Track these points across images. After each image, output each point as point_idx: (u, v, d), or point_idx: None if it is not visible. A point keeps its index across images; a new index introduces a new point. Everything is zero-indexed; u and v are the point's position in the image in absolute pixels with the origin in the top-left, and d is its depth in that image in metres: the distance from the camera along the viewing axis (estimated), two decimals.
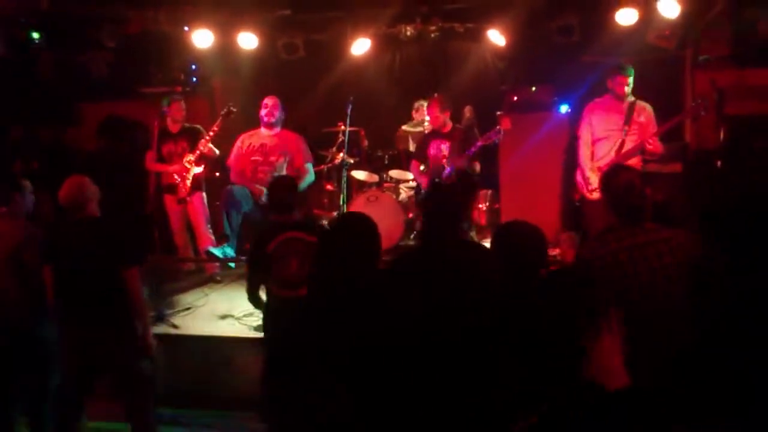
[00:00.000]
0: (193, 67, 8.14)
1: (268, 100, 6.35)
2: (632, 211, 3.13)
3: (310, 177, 6.37)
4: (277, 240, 4.09)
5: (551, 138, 6.98)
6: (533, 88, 7.39)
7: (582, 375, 1.78)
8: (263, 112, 6.32)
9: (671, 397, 1.93)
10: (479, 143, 6.27)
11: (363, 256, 2.68)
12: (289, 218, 4.22)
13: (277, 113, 6.32)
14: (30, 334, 4.16)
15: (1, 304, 4.14)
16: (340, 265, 2.65)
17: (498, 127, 6.26)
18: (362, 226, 2.75)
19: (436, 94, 6.87)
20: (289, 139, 6.37)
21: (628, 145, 5.70)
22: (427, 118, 7.19)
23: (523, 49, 7.36)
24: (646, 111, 5.74)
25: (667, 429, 1.79)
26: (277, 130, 6.37)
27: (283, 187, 4.38)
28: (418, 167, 6.74)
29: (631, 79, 5.69)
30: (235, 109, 6.51)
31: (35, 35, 7.44)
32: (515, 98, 7.41)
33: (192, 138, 6.58)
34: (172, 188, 6.64)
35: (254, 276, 4.27)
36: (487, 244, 6.88)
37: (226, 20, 7.29)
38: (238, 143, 6.43)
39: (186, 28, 7.37)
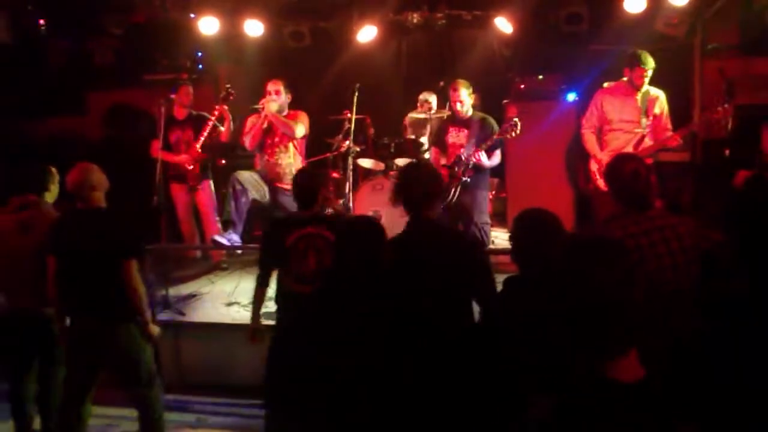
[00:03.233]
0: (199, 54, 8.12)
1: (271, 86, 6.24)
2: (638, 200, 3.12)
3: (297, 128, 6.20)
4: (297, 234, 4.01)
5: (558, 127, 6.96)
6: (540, 77, 7.35)
7: (596, 368, 1.70)
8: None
9: (676, 391, 1.87)
10: (496, 137, 5.96)
11: (371, 262, 2.98)
12: (310, 212, 4.12)
13: (281, 99, 6.24)
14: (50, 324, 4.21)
15: (32, 294, 4.18)
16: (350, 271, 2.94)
17: (513, 120, 5.88)
18: (375, 235, 3.05)
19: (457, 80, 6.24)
20: (290, 116, 6.30)
21: (648, 141, 5.53)
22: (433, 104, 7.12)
23: (531, 37, 7.29)
24: (660, 101, 5.58)
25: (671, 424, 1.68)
26: (284, 114, 6.29)
27: (307, 179, 4.26)
28: (438, 155, 6.41)
29: (651, 72, 5.46)
30: (233, 92, 6.45)
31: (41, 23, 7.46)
32: (522, 86, 7.39)
33: (199, 125, 6.57)
34: (179, 176, 6.64)
35: (266, 265, 4.21)
36: (494, 232, 6.94)
37: (233, 7, 7.28)
38: (247, 123, 6.37)
39: (192, 15, 7.35)
